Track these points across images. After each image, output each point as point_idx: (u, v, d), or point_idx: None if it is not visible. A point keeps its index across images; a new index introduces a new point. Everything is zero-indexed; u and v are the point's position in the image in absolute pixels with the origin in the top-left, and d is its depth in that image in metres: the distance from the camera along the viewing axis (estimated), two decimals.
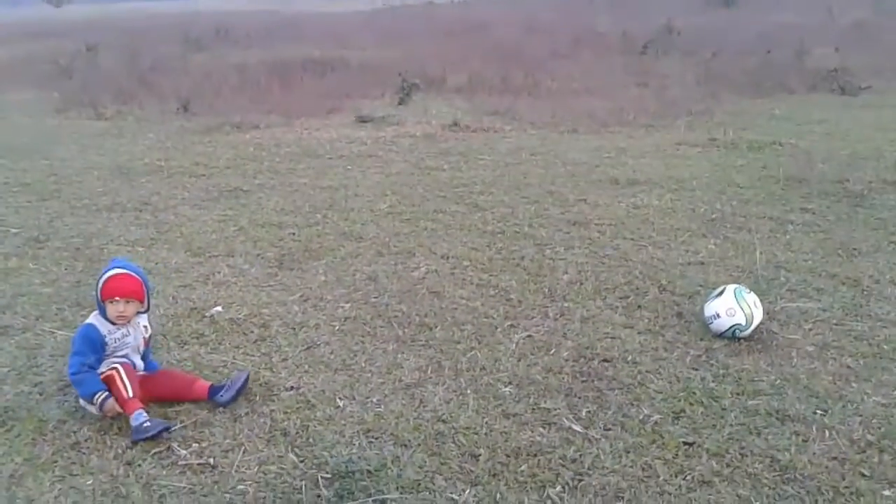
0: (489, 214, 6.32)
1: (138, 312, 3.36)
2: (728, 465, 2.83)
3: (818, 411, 3.17)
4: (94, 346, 3.22)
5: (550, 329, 4.07)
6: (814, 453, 2.88)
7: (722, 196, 6.62)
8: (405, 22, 27.72)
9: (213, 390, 3.31)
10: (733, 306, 3.80)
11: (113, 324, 3.27)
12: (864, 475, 2.74)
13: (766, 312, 4.08)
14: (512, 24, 24.63)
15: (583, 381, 3.50)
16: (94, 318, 3.30)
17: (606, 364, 3.67)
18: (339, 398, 3.36)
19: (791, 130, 9.61)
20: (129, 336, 3.33)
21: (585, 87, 13.74)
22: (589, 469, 2.82)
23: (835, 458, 2.84)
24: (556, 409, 3.25)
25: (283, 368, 3.64)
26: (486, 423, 3.16)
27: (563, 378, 3.53)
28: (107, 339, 3.25)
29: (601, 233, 5.74)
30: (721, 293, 3.90)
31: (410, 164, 8.39)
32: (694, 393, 3.36)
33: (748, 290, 3.91)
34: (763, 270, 4.79)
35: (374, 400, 3.34)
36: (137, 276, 3.32)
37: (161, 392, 3.32)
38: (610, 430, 3.09)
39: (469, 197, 6.91)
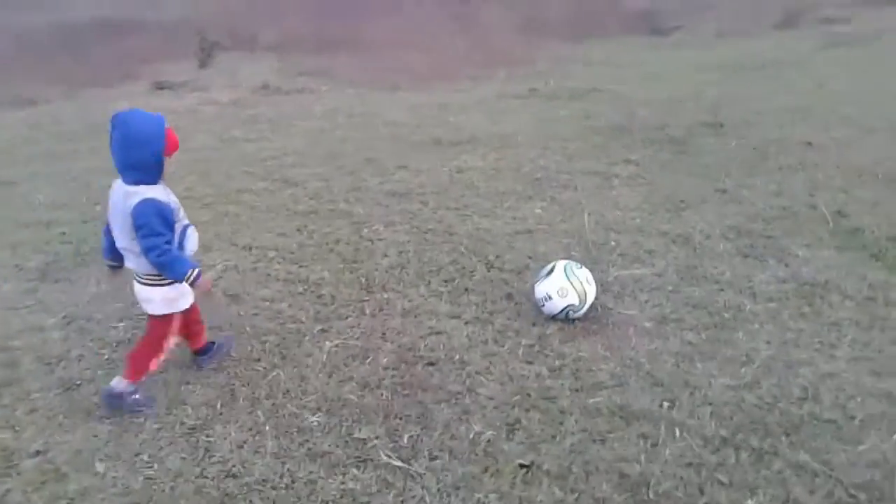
0: (301, 190, 5.66)
1: None
2: (573, 490, 2.42)
3: (665, 403, 2.83)
4: (168, 221, 2.73)
5: (367, 329, 3.52)
6: (665, 461, 2.53)
7: (546, 151, 6.30)
8: None
9: (203, 350, 3.24)
10: (565, 286, 3.41)
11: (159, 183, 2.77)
12: (722, 483, 2.41)
13: (600, 284, 3.75)
14: None
15: (405, 396, 2.99)
16: (148, 191, 2.69)
17: (431, 368, 3.18)
18: (100, 459, 2.66)
19: (609, 75, 9.53)
20: (174, 196, 2.85)
21: (407, 40, 13.13)
22: None
23: (689, 464, 2.51)
24: (372, 440, 2.72)
25: (30, 424, 2.88)
26: (288, 470, 2.58)
27: (382, 394, 3.00)
28: (172, 206, 2.77)
29: (424, 203, 5.24)
30: (551, 272, 3.50)
31: (213, 136, 7.52)
32: (529, 395, 2.94)
33: (579, 266, 3.54)
34: (592, 234, 4.47)
35: (146, 457, 2.67)
36: None
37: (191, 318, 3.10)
38: (436, 458, 2.60)
39: (279, 171, 6.20)
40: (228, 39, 12.82)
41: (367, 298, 3.84)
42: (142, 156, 2.66)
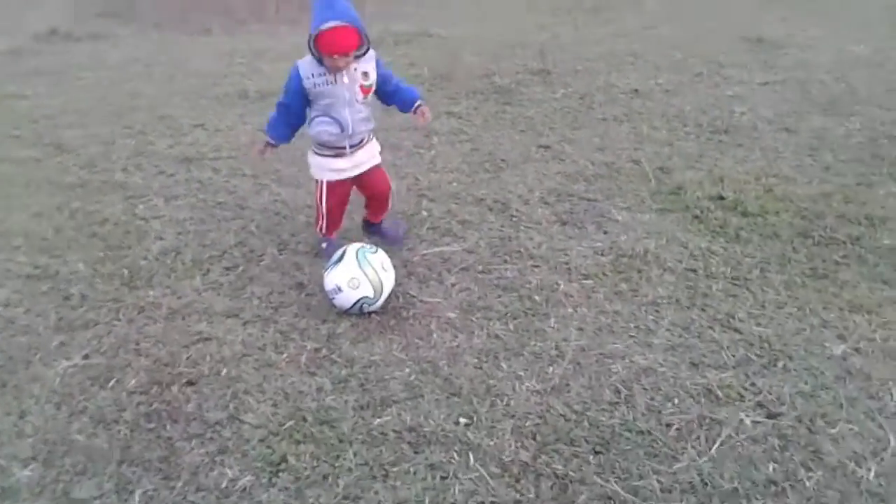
0: (73, 158, 4.83)
1: (356, 57, 3.03)
2: None
3: (461, 420, 2.41)
4: (290, 91, 3.10)
5: (119, 340, 2.89)
6: (454, 501, 2.10)
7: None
8: None
9: (381, 226, 3.59)
10: (356, 275, 2.90)
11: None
12: None
13: (404, 266, 3.30)
14: None
15: (148, 430, 2.41)
16: (305, 58, 3.02)
17: (190, 389, 2.61)
18: None
19: (440, 18, 9.00)
20: (335, 85, 3.04)
21: None
22: None
23: None
24: (93, 500, 2.13)
25: None
26: None
27: (120, 431, 2.41)
28: (304, 84, 3.04)
29: (216, 171, 4.56)
30: (341, 258, 2.98)
31: None
32: (305, 419, 2.43)
33: (374, 249, 3.04)
34: (403, 203, 3.98)
35: None
36: (352, 27, 2.89)
37: (364, 188, 3.43)
38: None
39: (52, 133, 5.31)
40: None
41: (125, 297, 3.19)
42: (308, 40, 2.92)
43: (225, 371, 2.69)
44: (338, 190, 3.33)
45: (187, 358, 2.77)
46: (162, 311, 3.08)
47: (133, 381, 2.64)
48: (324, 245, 3.45)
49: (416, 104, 3.40)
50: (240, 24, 9.16)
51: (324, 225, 3.42)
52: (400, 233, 3.62)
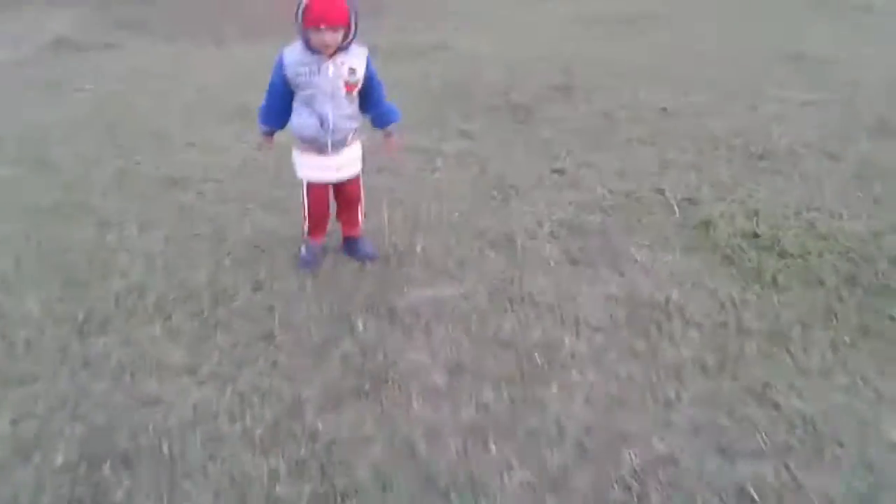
0: (53, 179, 4.50)
1: (339, 49, 2.84)
2: None
3: None
4: (274, 79, 2.96)
5: (57, 401, 2.52)
6: None
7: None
8: None
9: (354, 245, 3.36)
10: None
11: (315, 53, 2.83)
12: None
13: (389, 312, 2.91)
14: None
15: None
16: (292, 45, 2.89)
17: (123, 470, 2.22)
18: None
19: (463, 30, 8.61)
20: (317, 76, 2.87)
21: None
22: None
23: None
24: None
25: None
26: None
27: None
28: (287, 73, 2.89)
29: (202, 194, 4.20)
30: None
31: None
32: None
33: None
34: (395, 235, 3.58)
35: None
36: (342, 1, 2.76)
37: (337, 194, 3.27)
38: None
39: (36, 151, 4.99)
40: None
41: (73, 346, 2.82)
42: (296, 19, 2.77)
43: (167, 447, 2.30)
44: (319, 192, 3.21)
45: (128, 427, 2.38)
46: (110, 364, 2.71)
47: (61, 459, 2.26)
48: (303, 249, 3.37)
49: (389, 128, 3.23)
50: (260, 35, 8.84)
51: (307, 226, 3.32)
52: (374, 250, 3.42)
